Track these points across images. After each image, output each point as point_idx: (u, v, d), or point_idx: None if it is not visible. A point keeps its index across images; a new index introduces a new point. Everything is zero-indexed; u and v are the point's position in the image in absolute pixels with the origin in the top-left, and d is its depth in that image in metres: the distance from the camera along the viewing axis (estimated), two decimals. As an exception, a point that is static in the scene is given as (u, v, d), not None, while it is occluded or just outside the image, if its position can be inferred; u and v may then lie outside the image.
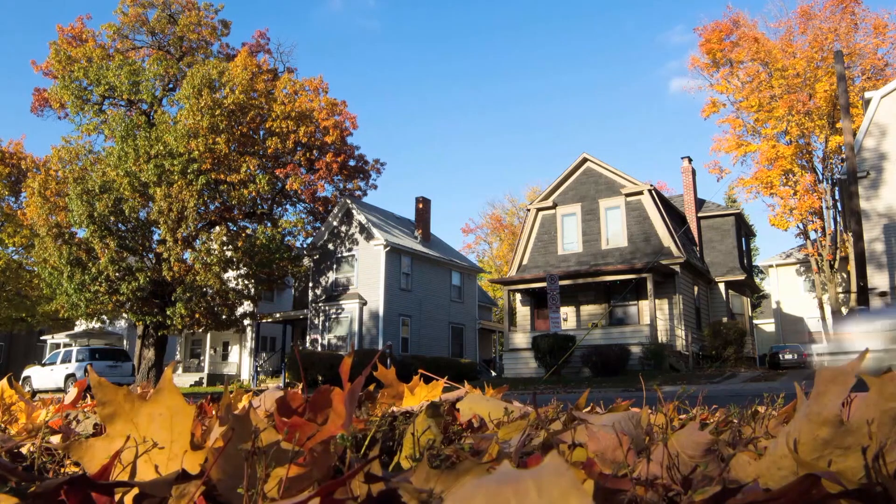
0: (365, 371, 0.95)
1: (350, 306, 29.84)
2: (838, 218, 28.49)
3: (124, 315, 26.88)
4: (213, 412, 1.34)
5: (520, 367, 24.23)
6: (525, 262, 27.32)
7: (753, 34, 29.58)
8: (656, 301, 22.69)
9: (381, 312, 29.36)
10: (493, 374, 32.93)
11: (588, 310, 25.40)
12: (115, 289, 24.17)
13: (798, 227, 29.91)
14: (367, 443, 1.18)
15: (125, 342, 38.20)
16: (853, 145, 17.46)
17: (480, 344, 37.62)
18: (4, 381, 1.94)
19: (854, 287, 19.75)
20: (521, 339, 25.11)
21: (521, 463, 0.90)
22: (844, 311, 27.19)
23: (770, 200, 29.90)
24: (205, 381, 34.92)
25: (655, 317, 22.42)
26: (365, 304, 29.73)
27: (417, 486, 0.67)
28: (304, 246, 31.83)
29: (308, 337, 31.12)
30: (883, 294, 19.61)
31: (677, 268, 23.76)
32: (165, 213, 24.72)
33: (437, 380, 1.66)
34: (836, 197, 28.01)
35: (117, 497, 0.75)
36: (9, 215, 35.35)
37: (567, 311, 25.19)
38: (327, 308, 30.60)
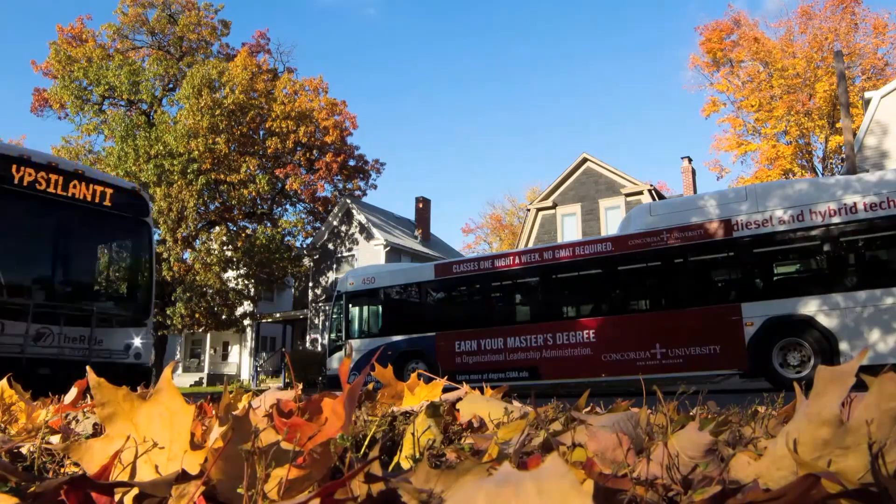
0: (364, 371, 0.95)
1: (350, 306, 29.84)
2: (838, 218, 28.44)
3: (124, 315, 26.87)
4: (213, 412, 1.34)
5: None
6: (525, 261, 27.31)
7: (754, 34, 29.60)
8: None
9: (381, 312, 29.35)
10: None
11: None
12: (115, 289, 24.18)
13: (798, 226, 29.87)
14: (366, 443, 1.18)
15: (125, 342, 38.15)
16: (853, 144, 17.48)
17: (480, 344, 37.54)
18: (4, 381, 1.94)
19: None
20: (521, 338, 25.06)
21: (521, 463, 0.91)
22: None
23: (770, 200, 29.86)
24: (205, 381, 34.93)
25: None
26: (365, 303, 29.72)
27: (417, 486, 0.67)
28: (304, 246, 31.85)
29: (308, 337, 31.13)
30: None
31: (677, 268, 23.74)
32: (165, 213, 24.73)
33: (437, 379, 1.66)
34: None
35: (117, 497, 0.75)
36: (9, 215, 35.32)
37: (567, 311, 25.18)
38: (327, 308, 30.61)
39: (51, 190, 7.85)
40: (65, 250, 8.41)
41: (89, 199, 8.32)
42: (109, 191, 8.61)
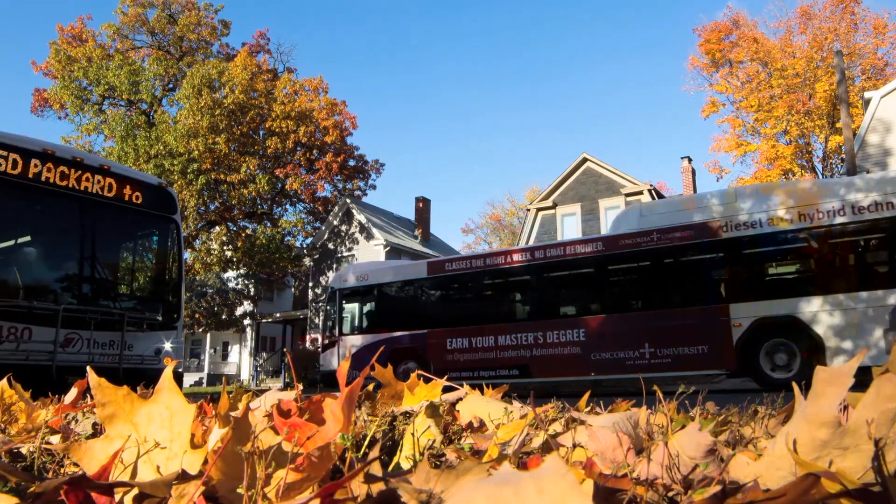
0: (363, 371, 0.95)
1: (350, 306, 29.84)
2: (838, 218, 28.47)
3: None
4: (213, 412, 1.34)
5: (520, 367, 24.21)
6: (525, 261, 27.31)
7: (753, 34, 29.59)
8: (656, 301, 22.66)
9: (381, 312, 29.35)
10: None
11: (588, 310, 25.36)
12: (115, 289, 24.18)
13: (798, 226, 29.87)
14: (366, 443, 1.18)
15: (125, 342, 38.13)
16: (854, 142, 17.49)
17: (480, 344, 37.56)
18: (4, 381, 1.94)
19: None
20: (521, 338, 25.08)
21: (521, 463, 0.91)
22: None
23: (770, 200, 29.88)
24: (205, 381, 34.93)
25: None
26: (365, 303, 29.72)
27: (417, 486, 0.67)
28: (304, 246, 31.86)
29: (308, 336, 31.13)
30: None
31: (677, 267, 23.75)
32: (165, 213, 24.72)
33: (436, 380, 1.66)
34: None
35: (117, 497, 0.75)
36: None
37: (567, 311, 25.14)
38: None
39: (76, 186, 7.48)
40: (90, 250, 7.92)
41: (115, 195, 7.90)
42: (136, 187, 8.18)
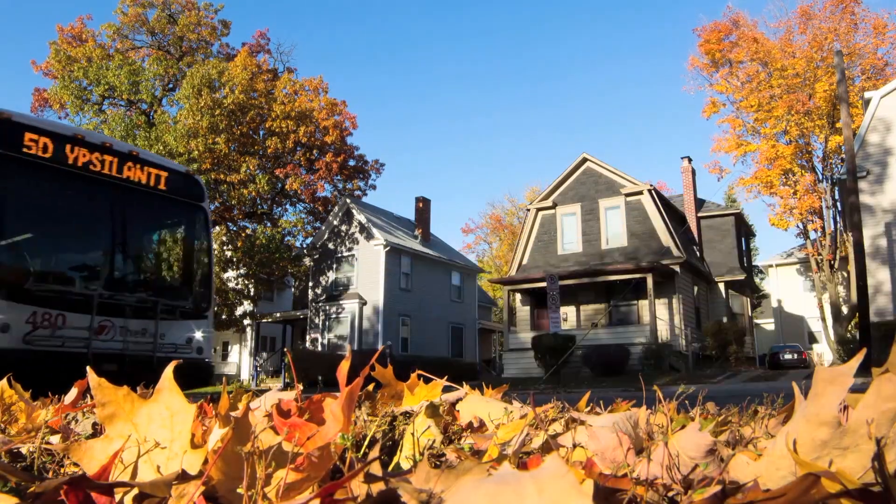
0: (363, 371, 0.95)
1: (350, 306, 29.86)
2: (838, 218, 28.52)
3: (124, 315, 26.86)
4: (213, 412, 1.34)
5: (520, 367, 24.24)
6: (525, 261, 27.33)
7: (753, 34, 29.58)
8: (656, 301, 22.69)
9: (381, 312, 29.38)
10: (493, 373, 32.96)
11: (588, 310, 25.41)
12: (115, 289, 24.16)
13: (798, 226, 29.92)
14: (366, 443, 1.18)
15: (125, 342, 38.11)
16: (853, 140, 17.48)
17: (480, 344, 37.63)
18: (4, 381, 1.93)
19: (854, 283, 19.83)
20: (520, 339, 25.12)
21: (521, 463, 0.91)
22: (845, 310, 27.18)
23: (770, 200, 29.94)
24: (205, 380, 34.88)
25: (655, 317, 22.42)
26: (365, 303, 29.74)
27: (417, 486, 0.67)
28: (304, 246, 31.87)
29: (308, 336, 31.13)
30: None
31: (677, 268, 23.76)
32: (165, 213, 24.71)
33: (436, 380, 1.66)
34: (836, 197, 28.02)
35: (117, 497, 0.75)
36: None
37: (567, 311, 25.19)
38: (327, 308, 30.59)
39: (105, 171, 7.36)
40: (121, 237, 7.83)
41: (144, 181, 7.76)
42: (164, 173, 8.04)
